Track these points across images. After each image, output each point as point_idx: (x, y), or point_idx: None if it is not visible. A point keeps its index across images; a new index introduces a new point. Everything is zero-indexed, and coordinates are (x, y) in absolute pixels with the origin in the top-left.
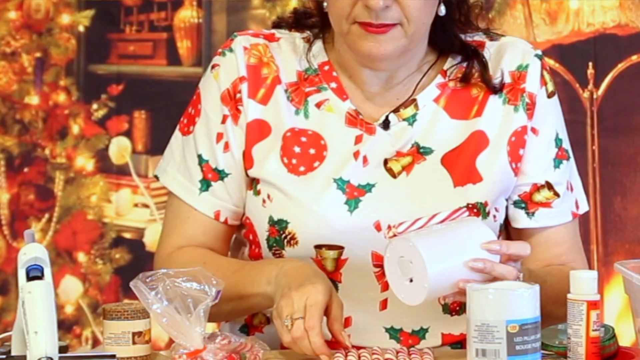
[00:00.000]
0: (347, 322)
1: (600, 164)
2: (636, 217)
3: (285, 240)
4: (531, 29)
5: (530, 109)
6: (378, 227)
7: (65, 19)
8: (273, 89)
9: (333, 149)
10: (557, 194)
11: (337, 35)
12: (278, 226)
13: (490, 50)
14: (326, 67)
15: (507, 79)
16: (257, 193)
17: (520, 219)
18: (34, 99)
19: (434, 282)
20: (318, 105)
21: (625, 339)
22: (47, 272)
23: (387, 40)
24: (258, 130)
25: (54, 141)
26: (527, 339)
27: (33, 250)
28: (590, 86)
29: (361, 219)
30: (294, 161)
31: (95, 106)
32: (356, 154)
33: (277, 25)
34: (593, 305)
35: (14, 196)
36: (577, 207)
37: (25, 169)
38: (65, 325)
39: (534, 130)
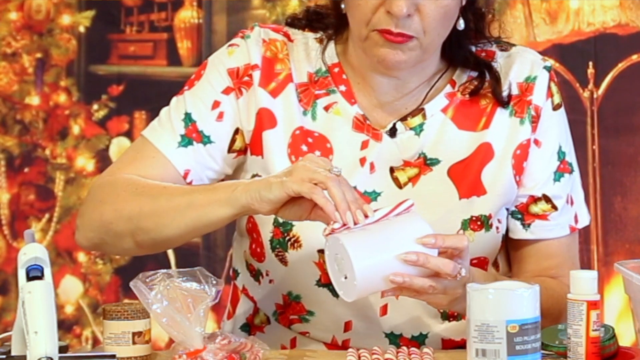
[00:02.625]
0: (347, 327)
1: (600, 163)
2: (636, 217)
3: (289, 243)
4: (531, 28)
5: (535, 121)
6: None
7: (65, 19)
8: (285, 85)
9: (339, 154)
10: (554, 207)
11: (355, 40)
12: (283, 228)
13: (499, 61)
14: (336, 69)
15: (515, 91)
16: None
17: (517, 230)
18: (34, 100)
19: (363, 278)
20: (326, 108)
21: (625, 339)
22: (47, 272)
23: (404, 50)
24: (266, 120)
25: (55, 141)
26: (527, 339)
27: (33, 250)
28: (591, 86)
29: None
30: (300, 159)
31: (95, 106)
32: (362, 160)
33: (291, 24)
34: (593, 305)
35: (14, 196)
36: (577, 221)
37: (26, 169)
38: (66, 325)
39: (536, 142)
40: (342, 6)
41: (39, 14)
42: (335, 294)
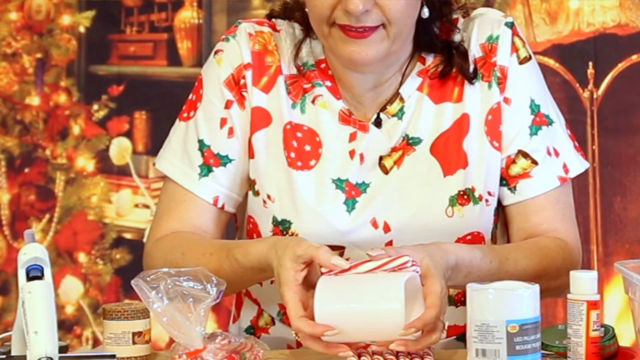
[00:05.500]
0: None
1: (600, 164)
2: (636, 217)
3: None
4: (531, 29)
5: (501, 82)
6: (375, 225)
7: (66, 19)
8: (275, 78)
9: (328, 147)
10: (534, 162)
11: (320, 39)
12: (282, 226)
13: (462, 28)
14: (323, 65)
15: (479, 53)
16: (256, 194)
17: (506, 196)
18: (34, 100)
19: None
20: (313, 100)
21: (625, 339)
22: (47, 272)
23: (369, 44)
24: (260, 119)
25: (55, 142)
26: (527, 339)
27: (33, 250)
28: (590, 86)
29: (359, 218)
30: (292, 155)
31: (95, 107)
32: (352, 153)
33: (271, 17)
34: (593, 305)
35: (15, 197)
36: (566, 170)
37: (26, 170)
38: (66, 326)
39: (506, 100)
40: (307, 10)
41: (39, 14)
42: None
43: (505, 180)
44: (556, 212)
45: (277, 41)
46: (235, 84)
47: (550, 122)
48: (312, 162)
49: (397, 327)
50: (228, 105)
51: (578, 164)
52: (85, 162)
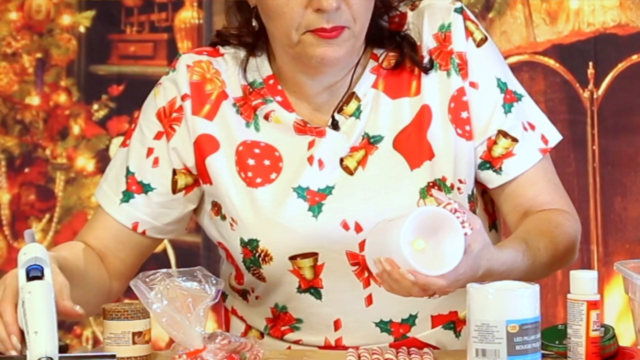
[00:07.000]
0: (337, 325)
1: (600, 164)
2: (636, 217)
3: (260, 259)
4: (531, 29)
5: (462, 68)
6: (346, 227)
7: (66, 19)
8: (219, 104)
9: (288, 159)
10: (515, 139)
11: (283, 48)
12: (250, 246)
13: (411, 21)
14: (271, 82)
15: (433, 44)
16: (224, 218)
17: (492, 179)
18: (34, 100)
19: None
20: (266, 117)
21: (625, 339)
22: (47, 272)
23: (340, 44)
24: (207, 145)
25: (55, 142)
26: (527, 339)
27: (33, 250)
28: (591, 86)
29: (327, 222)
30: (249, 174)
31: (95, 107)
32: (310, 159)
33: (214, 45)
34: (593, 305)
35: (15, 196)
36: (546, 141)
37: (26, 170)
38: (66, 325)
39: (472, 84)
40: (254, 24)
41: (39, 14)
42: (318, 296)
43: (490, 162)
44: (547, 182)
45: (217, 67)
46: (166, 116)
47: (519, 98)
48: (273, 176)
49: (397, 252)
50: (158, 136)
51: (555, 133)
52: (85, 162)
